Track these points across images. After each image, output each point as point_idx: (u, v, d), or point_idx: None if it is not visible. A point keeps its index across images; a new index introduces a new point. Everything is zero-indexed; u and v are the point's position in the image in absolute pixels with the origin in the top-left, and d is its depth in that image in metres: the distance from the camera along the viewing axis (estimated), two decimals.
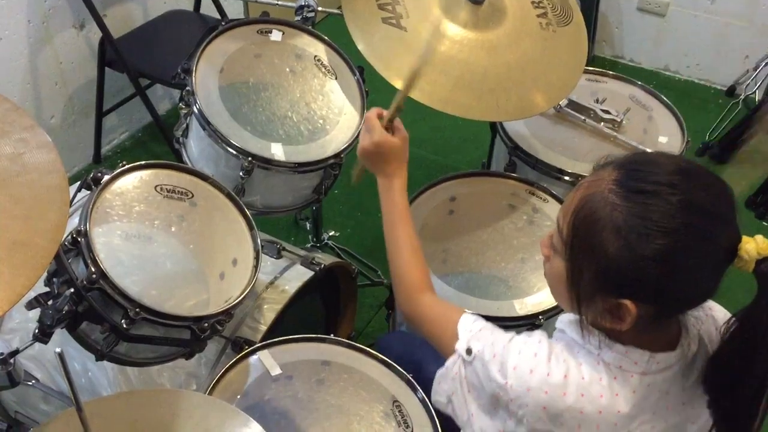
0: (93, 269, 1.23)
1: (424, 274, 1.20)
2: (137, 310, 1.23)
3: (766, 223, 2.76)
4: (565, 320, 1.02)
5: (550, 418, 0.92)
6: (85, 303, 1.24)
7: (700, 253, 0.86)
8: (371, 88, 1.78)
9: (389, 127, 1.31)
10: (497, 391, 0.95)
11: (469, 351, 1.00)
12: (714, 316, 1.01)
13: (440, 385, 1.05)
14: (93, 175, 1.35)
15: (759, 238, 0.87)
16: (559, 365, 0.93)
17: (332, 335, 1.80)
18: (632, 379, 0.93)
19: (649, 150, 1.87)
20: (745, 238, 0.87)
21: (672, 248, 0.84)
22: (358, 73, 1.78)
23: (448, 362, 1.04)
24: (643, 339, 0.93)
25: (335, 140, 1.70)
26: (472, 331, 1.03)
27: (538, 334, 1.00)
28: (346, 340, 1.52)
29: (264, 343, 1.48)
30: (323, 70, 1.78)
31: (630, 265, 0.86)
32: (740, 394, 0.91)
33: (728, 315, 0.97)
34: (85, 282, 1.23)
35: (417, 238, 1.23)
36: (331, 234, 2.47)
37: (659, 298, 0.89)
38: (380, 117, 1.32)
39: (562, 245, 0.92)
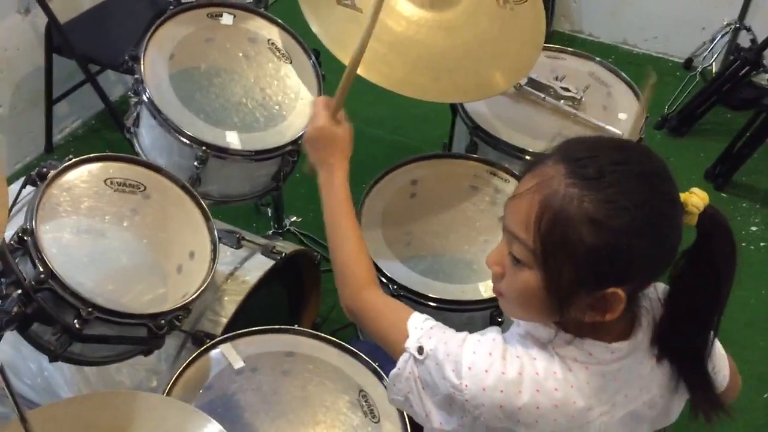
0: (41, 269, 1.19)
1: (370, 268, 1.16)
2: (90, 309, 1.20)
3: (725, 195, 2.80)
4: None
5: (506, 416, 0.91)
6: (34, 304, 1.19)
7: (671, 214, 0.87)
8: (327, 72, 1.74)
9: (335, 119, 1.27)
10: (452, 391, 0.93)
11: (420, 350, 0.97)
12: (660, 296, 1.00)
13: (395, 386, 1.02)
14: (38, 170, 1.30)
15: (696, 190, 0.90)
16: (514, 362, 0.92)
17: (297, 324, 1.78)
18: (587, 371, 0.92)
19: (610, 128, 1.87)
20: (685, 195, 0.90)
21: (649, 218, 0.85)
22: (313, 57, 1.74)
23: (400, 362, 1.01)
24: (601, 330, 0.92)
25: (292, 126, 1.67)
26: (423, 329, 1.00)
27: (492, 332, 0.98)
28: (311, 330, 1.50)
29: (225, 336, 1.45)
30: (278, 54, 1.74)
31: (615, 250, 0.84)
32: (690, 339, 0.95)
33: None
34: (33, 282, 1.18)
35: (360, 233, 1.19)
36: (293, 219, 2.43)
37: (642, 273, 0.90)
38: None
39: (530, 256, 0.88)
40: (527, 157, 1.82)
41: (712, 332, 0.95)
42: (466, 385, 0.91)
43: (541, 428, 0.91)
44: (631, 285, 0.89)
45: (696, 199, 0.89)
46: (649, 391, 0.98)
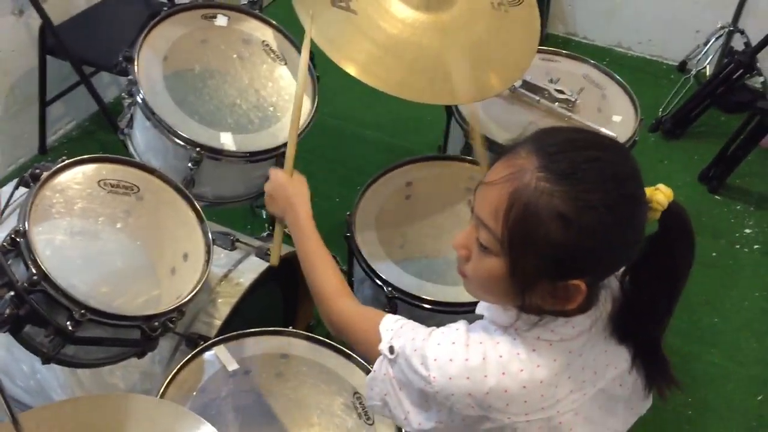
0: (34, 270, 1.18)
1: (340, 280, 1.21)
2: (82, 311, 1.19)
3: (719, 197, 2.80)
4: (484, 305, 1.02)
5: (477, 403, 0.92)
6: (26, 306, 1.18)
7: (638, 216, 0.89)
8: (322, 74, 1.74)
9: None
10: (423, 385, 0.95)
11: (391, 349, 1.00)
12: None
13: (372, 390, 1.03)
14: (31, 171, 1.29)
15: (662, 186, 0.91)
16: (477, 348, 0.93)
17: (291, 326, 1.78)
18: (551, 348, 0.93)
19: (604, 130, 1.87)
20: (650, 190, 0.90)
21: (616, 218, 0.86)
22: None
23: (375, 365, 1.03)
24: (561, 310, 0.93)
25: (287, 127, 1.65)
26: (393, 330, 1.02)
27: (457, 323, 0.99)
28: (305, 332, 1.49)
29: (219, 338, 1.44)
30: (272, 55, 1.73)
31: (580, 246, 0.86)
32: (646, 325, 0.97)
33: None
34: (25, 284, 1.18)
35: (330, 258, 1.25)
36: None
37: (605, 269, 0.91)
38: None
39: (497, 244, 0.89)
40: None
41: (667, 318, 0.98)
42: (434, 377, 0.93)
43: (514, 411, 0.92)
44: (592, 277, 0.90)
45: (661, 196, 0.90)
46: (616, 367, 0.99)
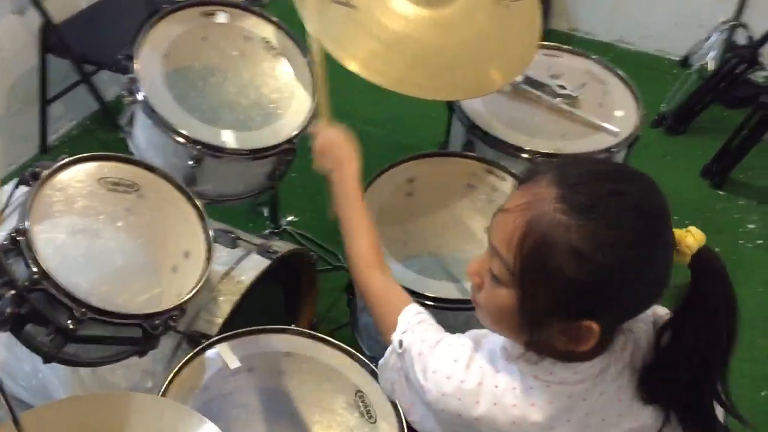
0: (34, 269, 1.18)
1: (378, 251, 1.18)
2: (83, 310, 1.19)
3: (722, 192, 2.79)
4: None
5: (464, 425, 0.91)
6: (27, 305, 1.18)
7: (660, 257, 0.83)
8: None
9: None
10: (420, 391, 0.95)
11: (401, 343, 1.00)
12: (656, 312, 0.95)
13: (383, 375, 1.05)
14: (31, 170, 1.29)
15: (693, 229, 0.85)
16: (476, 372, 0.91)
17: (293, 324, 1.77)
18: (548, 390, 0.89)
19: (606, 125, 1.87)
20: (680, 233, 0.85)
21: (637, 258, 0.81)
22: (308, 55, 1.73)
23: (387, 352, 1.03)
24: (565, 353, 0.88)
25: (288, 125, 1.66)
26: (410, 324, 1.02)
27: (465, 338, 0.97)
28: (308, 330, 1.49)
29: (221, 336, 1.44)
30: (273, 52, 1.73)
31: (595, 285, 0.81)
32: (687, 388, 0.89)
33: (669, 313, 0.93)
34: (26, 283, 1.18)
35: (369, 221, 1.21)
36: (289, 219, 2.42)
37: (621, 312, 0.86)
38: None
39: (509, 275, 0.85)
40: (524, 155, 1.81)
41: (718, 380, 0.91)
42: (429, 389, 0.93)
43: None
44: (607, 320, 0.85)
45: (691, 239, 0.84)
46: (636, 420, 0.92)
